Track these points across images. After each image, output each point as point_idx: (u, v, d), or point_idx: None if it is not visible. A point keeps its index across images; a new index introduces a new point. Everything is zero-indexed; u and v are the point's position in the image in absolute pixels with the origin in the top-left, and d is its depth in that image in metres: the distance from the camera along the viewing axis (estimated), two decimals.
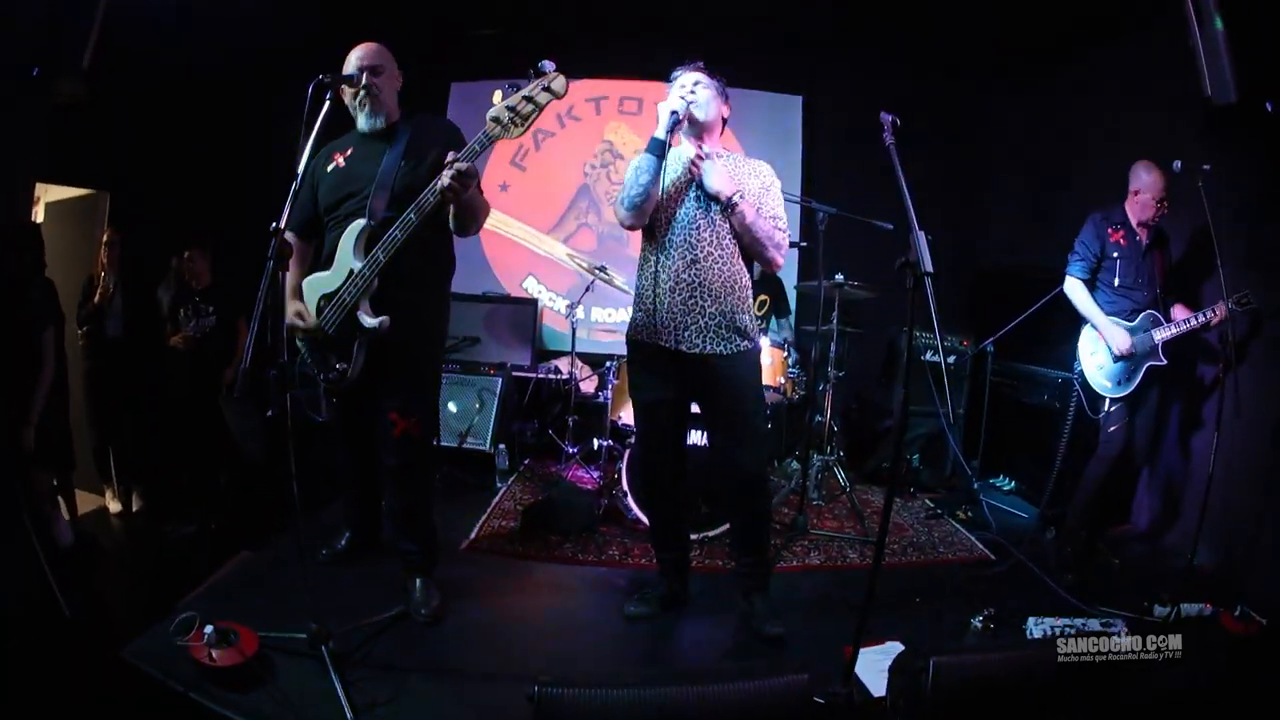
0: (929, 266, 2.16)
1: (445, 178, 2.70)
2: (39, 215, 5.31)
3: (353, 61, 3.06)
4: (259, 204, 3.21)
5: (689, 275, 3.02)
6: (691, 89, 3.08)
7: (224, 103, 5.85)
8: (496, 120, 2.68)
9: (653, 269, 3.08)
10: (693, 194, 3.08)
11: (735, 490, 3.24)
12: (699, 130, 3.13)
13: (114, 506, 4.76)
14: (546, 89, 2.62)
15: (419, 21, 6.37)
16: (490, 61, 6.79)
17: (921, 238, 2.18)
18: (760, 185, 3.15)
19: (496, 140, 2.74)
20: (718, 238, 3.05)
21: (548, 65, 2.63)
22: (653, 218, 3.08)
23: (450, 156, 2.74)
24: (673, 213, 3.08)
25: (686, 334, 3.02)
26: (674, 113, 2.97)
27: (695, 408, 3.31)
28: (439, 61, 6.80)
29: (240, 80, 5.88)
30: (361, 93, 3.04)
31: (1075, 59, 5.95)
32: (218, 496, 4.71)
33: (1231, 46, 3.56)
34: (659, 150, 2.95)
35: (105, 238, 4.70)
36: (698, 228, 3.04)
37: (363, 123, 3.12)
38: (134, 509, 4.75)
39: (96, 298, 4.63)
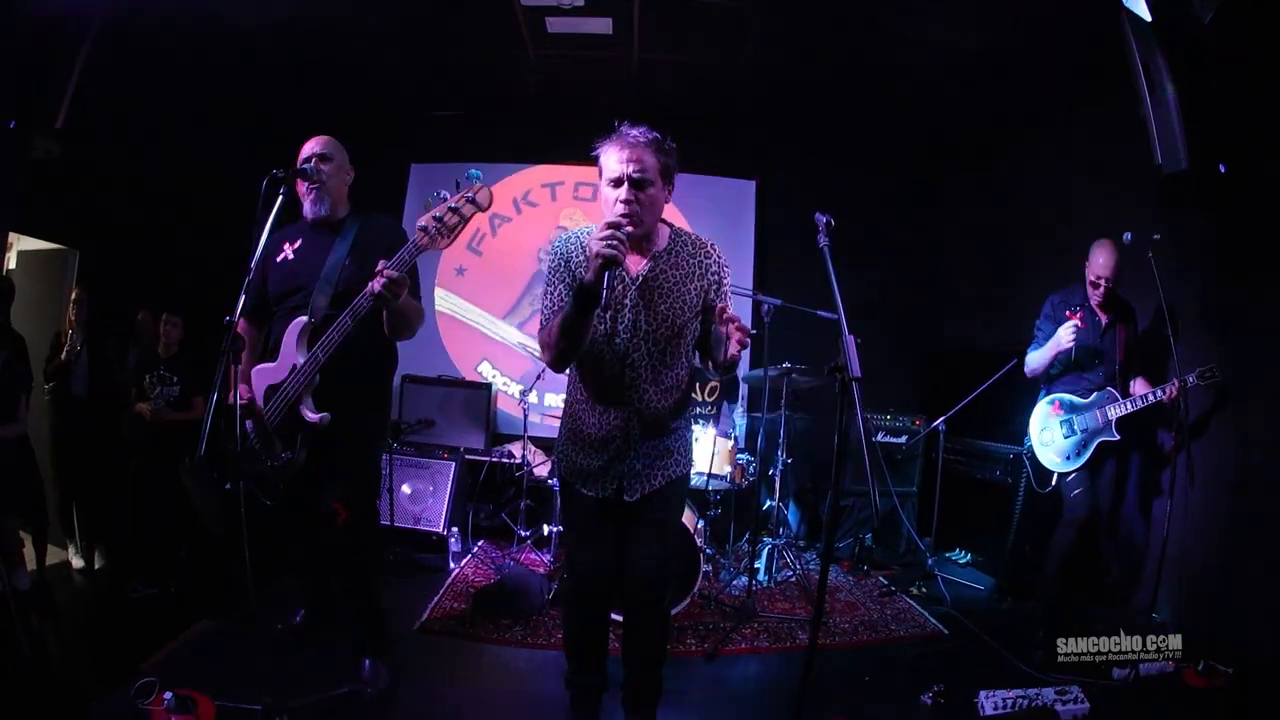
0: (856, 371, 2.22)
1: (376, 284, 2.72)
2: (11, 262, 5.35)
3: (304, 151, 3.18)
4: (229, 277, 3.26)
5: (621, 422, 2.62)
6: (633, 191, 2.44)
7: (200, 173, 5.84)
8: (424, 230, 2.69)
9: (580, 416, 2.71)
10: (625, 327, 2.56)
11: (633, 601, 2.84)
12: (640, 237, 2.55)
13: (77, 562, 4.81)
14: (471, 201, 2.64)
15: (379, 104, 6.52)
16: (449, 143, 7.00)
17: (851, 342, 2.24)
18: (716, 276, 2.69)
19: (425, 251, 2.73)
20: (655, 372, 2.61)
21: (474, 174, 2.66)
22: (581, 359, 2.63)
23: (380, 264, 2.73)
24: (602, 351, 2.59)
25: (626, 483, 2.65)
26: (611, 263, 2.28)
27: None
28: (399, 143, 6.95)
29: (216, 150, 5.92)
30: (308, 180, 3.13)
31: (1024, 136, 6.21)
32: (179, 562, 4.66)
33: (1183, 112, 3.40)
34: (591, 303, 2.34)
35: (73, 296, 4.74)
36: (631, 364, 2.58)
37: (308, 209, 3.19)
38: (96, 566, 4.79)
39: (63, 355, 4.65)
